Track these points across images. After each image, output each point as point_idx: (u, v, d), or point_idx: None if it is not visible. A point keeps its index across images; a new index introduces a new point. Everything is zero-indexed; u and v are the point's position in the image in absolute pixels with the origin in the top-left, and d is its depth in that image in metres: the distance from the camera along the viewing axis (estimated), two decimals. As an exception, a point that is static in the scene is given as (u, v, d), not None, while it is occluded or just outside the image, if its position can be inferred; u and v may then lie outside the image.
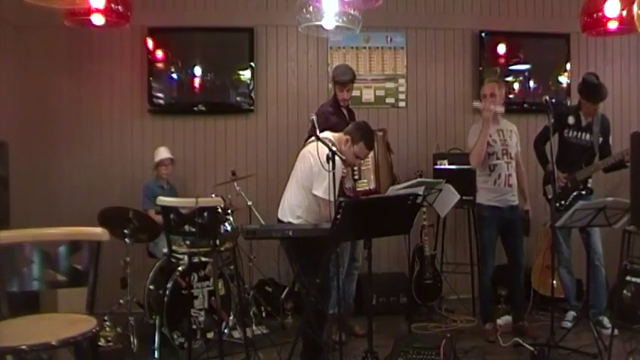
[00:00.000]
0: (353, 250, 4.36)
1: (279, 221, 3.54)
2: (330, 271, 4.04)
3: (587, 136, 4.43)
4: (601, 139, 4.43)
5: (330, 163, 3.30)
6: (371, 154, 4.22)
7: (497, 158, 4.20)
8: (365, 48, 5.35)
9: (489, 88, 4.23)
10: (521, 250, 4.37)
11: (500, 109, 4.16)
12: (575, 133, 4.46)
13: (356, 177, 4.21)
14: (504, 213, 4.22)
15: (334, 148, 3.33)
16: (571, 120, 4.47)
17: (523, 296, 4.45)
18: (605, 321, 4.29)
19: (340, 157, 3.44)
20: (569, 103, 5.29)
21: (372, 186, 4.25)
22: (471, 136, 4.28)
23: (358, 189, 4.19)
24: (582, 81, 4.45)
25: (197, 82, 5.17)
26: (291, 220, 3.48)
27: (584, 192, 4.42)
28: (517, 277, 4.36)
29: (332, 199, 3.17)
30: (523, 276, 4.46)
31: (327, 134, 3.52)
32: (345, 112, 4.43)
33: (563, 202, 4.38)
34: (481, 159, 4.18)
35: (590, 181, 4.44)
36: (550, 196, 4.30)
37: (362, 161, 4.15)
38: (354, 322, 4.41)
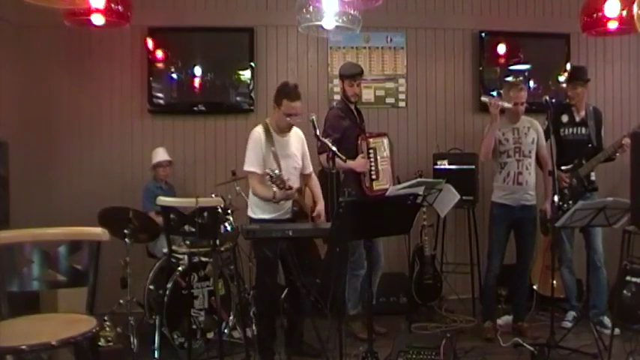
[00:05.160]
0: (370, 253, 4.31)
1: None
2: (349, 273, 4.12)
3: (584, 130, 4.45)
4: (595, 130, 4.46)
5: (331, 162, 3.33)
6: (387, 153, 4.24)
7: (509, 156, 4.19)
8: (365, 48, 5.35)
9: (521, 97, 4.17)
10: (530, 251, 4.34)
11: (508, 104, 4.13)
12: (571, 129, 4.47)
13: (373, 177, 4.20)
14: (515, 212, 4.19)
15: (334, 148, 3.36)
16: (564, 118, 4.49)
17: (525, 296, 4.44)
18: (606, 321, 4.29)
19: (340, 158, 3.47)
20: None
21: (389, 185, 4.25)
22: (485, 131, 4.28)
23: (376, 188, 4.18)
24: (567, 71, 4.73)
25: (197, 82, 5.17)
26: (250, 214, 3.78)
27: (589, 190, 4.39)
28: (521, 277, 4.35)
29: (256, 170, 3.57)
30: (527, 276, 4.45)
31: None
32: (355, 111, 4.37)
33: (571, 202, 4.30)
34: (488, 153, 4.19)
35: (592, 174, 4.42)
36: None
37: (379, 162, 4.17)
38: (357, 326, 4.36)
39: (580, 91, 4.42)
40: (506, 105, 4.13)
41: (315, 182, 4.02)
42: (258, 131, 3.73)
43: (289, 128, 3.76)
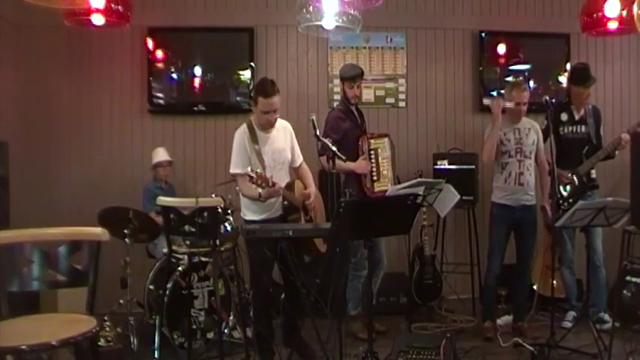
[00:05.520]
0: (372, 254, 4.28)
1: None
2: (350, 273, 4.13)
3: (583, 129, 4.46)
4: (595, 128, 4.46)
5: (331, 162, 3.33)
6: (388, 154, 4.25)
7: (510, 156, 4.18)
8: (365, 48, 5.35)
9: (523, 97, 4.15)
10: (530, 251, 4.34)
11: (510, 104, 4.12)
12: (570, 128, 4.48)
13: (374, 178, 4.20)
14: (515, 212, 4.19)
15: (334, 148, 3.36)
16: (564, 116, 4.49)
17: (526, 296, 4.44)
18: (606, 317, 4.31)
19: (340, 158, 3.47)
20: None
21: (390, 186, 4.24)
22: (486, 132, 4.27)
23: (377, 190, 4.18)
24: (570, 69, 4.67)
25: (197, 82, 5.17)
26: (242, 215, 3.78)
27: (590, 188, 4.40)
28: (521, 277, 4.35)
29: (240, 171, 3.55)
30: (528, 276, 4.46)
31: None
32: (356, 112, 4.37)
33: (571, 201, 4.32)
34: (492, 155, 4.18)
35: (593, 172, 4.44)
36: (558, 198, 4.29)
37: (380, 163, 4.17)
38: (357, 326, 4.36)
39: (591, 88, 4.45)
40: (508, 105, 4.12)
41: (305, 171, 3.96)
42: (241, 131, 3.68)
43: (271, 124, 3.69)
